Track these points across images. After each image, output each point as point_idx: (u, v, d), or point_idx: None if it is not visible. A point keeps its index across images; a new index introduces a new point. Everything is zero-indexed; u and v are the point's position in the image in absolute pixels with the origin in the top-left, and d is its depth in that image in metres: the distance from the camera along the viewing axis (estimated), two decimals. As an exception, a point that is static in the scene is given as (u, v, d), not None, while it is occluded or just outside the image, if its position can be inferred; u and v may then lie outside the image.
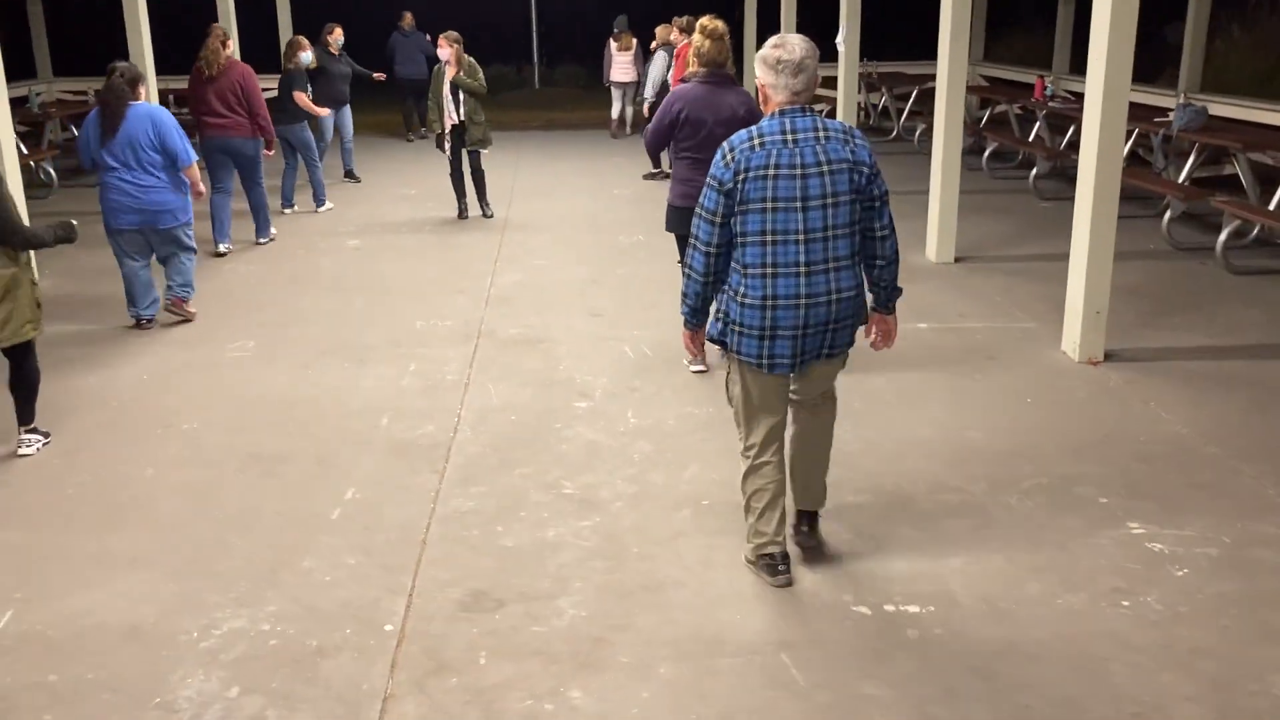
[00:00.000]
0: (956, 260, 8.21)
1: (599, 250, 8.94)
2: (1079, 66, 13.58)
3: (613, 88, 14.77)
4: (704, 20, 5.92)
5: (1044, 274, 7.78)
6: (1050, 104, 11.33)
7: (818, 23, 14.08)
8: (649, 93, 12.08)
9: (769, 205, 3.45)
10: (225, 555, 4.09)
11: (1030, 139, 11.94)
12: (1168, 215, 8.52)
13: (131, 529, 4.31)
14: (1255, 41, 11.89)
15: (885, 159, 12.88)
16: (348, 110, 11.78)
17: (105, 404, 5.64)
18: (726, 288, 3.62)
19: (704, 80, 5.70)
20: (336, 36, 11.64)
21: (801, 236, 3.45)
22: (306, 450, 5.04)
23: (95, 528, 4.32)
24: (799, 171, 3.44)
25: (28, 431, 5.03)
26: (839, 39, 10.63)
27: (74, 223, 5.15)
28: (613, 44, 14.42)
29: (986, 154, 11.93)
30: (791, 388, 3.79)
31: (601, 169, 12.92)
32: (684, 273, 3.71)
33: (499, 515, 4.38)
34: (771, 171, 3.44)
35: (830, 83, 14.88)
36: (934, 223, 8.22)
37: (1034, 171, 10.78)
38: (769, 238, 3.46)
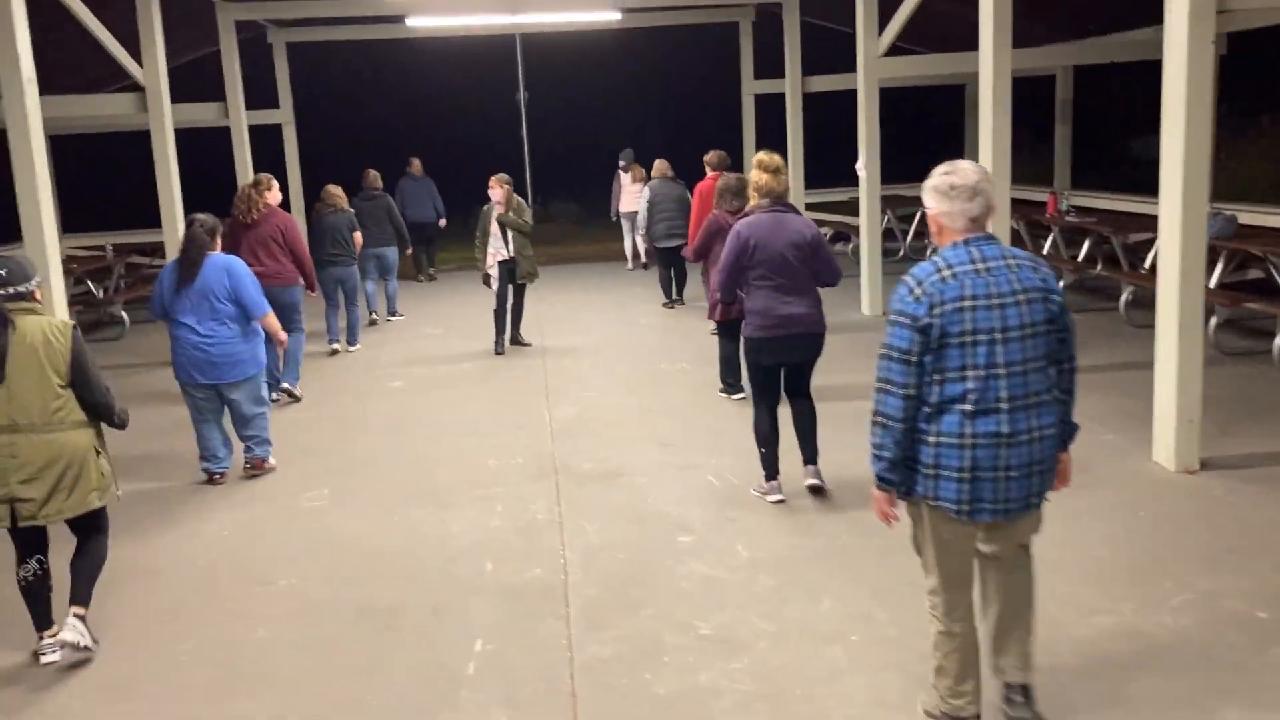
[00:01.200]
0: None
1: (644, 379, 8.90)
2: (1080, 182, 14.00)
3: (623, 219, 14.91)
4: (760, 156, 5.92)
5: (1102, 385, 7.80)
6: (1066, 218, 11.57)
7: (818, 152, 14.51)
8: (640, 228, 12.28)
9: (967, 339, 3.23)
10: (367, 717, 3.88)
11: (1044, 253, 12.15)
12: (1213, 322, 8.62)
13: (259, 693, 4.10)
14: (1260, 151, 12.29)
15: (897, 279, 13.02)
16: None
17: (192, 563, 5.44)
18: (914, 432, 3.35)
19: (768, 210, 5.70)
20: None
21: (1003, 370, 3.23)
22: (417, 600, 4.85)
23: (220, 695, 4.10)
24: (996, 301, 3.24)
25: (76, 615, 4.39)
26: (859, 165, 10.87)
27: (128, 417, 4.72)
28: (623, 175, 14.64)
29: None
30: (986, 546, 3.51)
31: (620, 299, 12.98)
32: (874, 421, 3.36)
33: (642, 661, 4.20)
34: (968, 303, 3.23)
35: (843, 207, 15.28)
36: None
37: (1060, 285, 10.92)
38: (968, 373, 3.24)
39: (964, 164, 3.42)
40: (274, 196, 8.68)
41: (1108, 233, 10.87)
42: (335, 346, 10.42)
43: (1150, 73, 16.29)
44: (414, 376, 9.42)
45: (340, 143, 20.39)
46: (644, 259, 14.82)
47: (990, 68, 7.85)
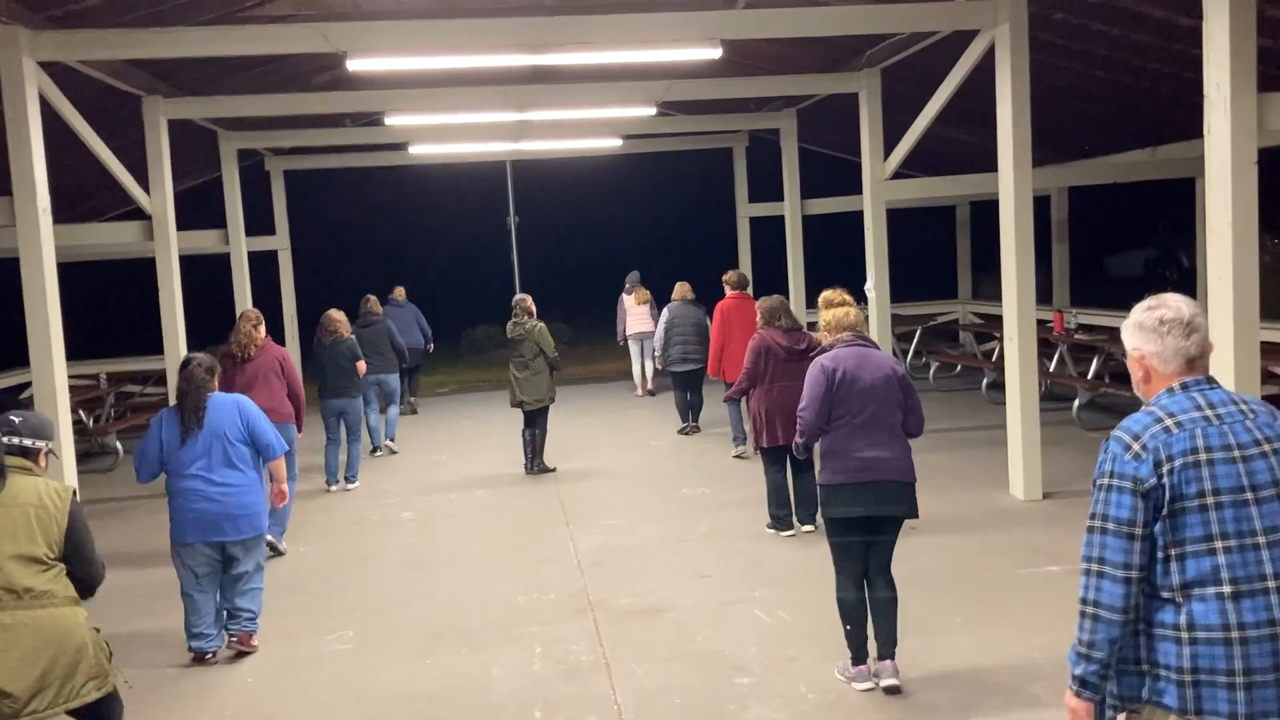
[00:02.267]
0: (1044, 497, 8.05)
1: (667, 505, 8.65)
2: (1079, 299, 14.11)
3: (630, 342, 14.65)
4: (828, 294, 5.61)
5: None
6: (1075, 336, 11.59)
7: (810, 273, 14.59)
8: (656, 350, 12.15)
9: (1209, 500, 2.64)
10: None
11: (1052, 370, 12.14)
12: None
13: None
14: (1266, 270, 12.42)
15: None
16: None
17: (219, 714, 5.07)
18: (1146, 626, 2.71)
19: (851, 343, 5.20)
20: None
21: (1261, 539, 2.63)
22: (468, 756, 4.52)
23: None
24: (1236, 454, 2.67)
25: None
26: (868, 286, 10.87)
27: None
28: (627, 298, 14.51)
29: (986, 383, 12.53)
30: None
31: (627, 422, 12.79)
32: (1082, 613, 2.69)
33: (725, 822, 3.88)
34: (1202, 456, 2.66)
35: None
36: (1016, 460, 8.12)
37: (1076, 403, 10.91)
38: (1218, 544, 2.63)
39: (1172, 297, 2.86)
40: (262, 332, 8.27)
41: (1118, 350, 10.88)
42: (333, 487, 9.92)
43: (1137, 192, 16.54)
44: (424, 506, 9.12)
45: (330, 267, 20.44)
46: (650, 385, 14.60)
47: (1011, 188, 7.89)
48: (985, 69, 8.23)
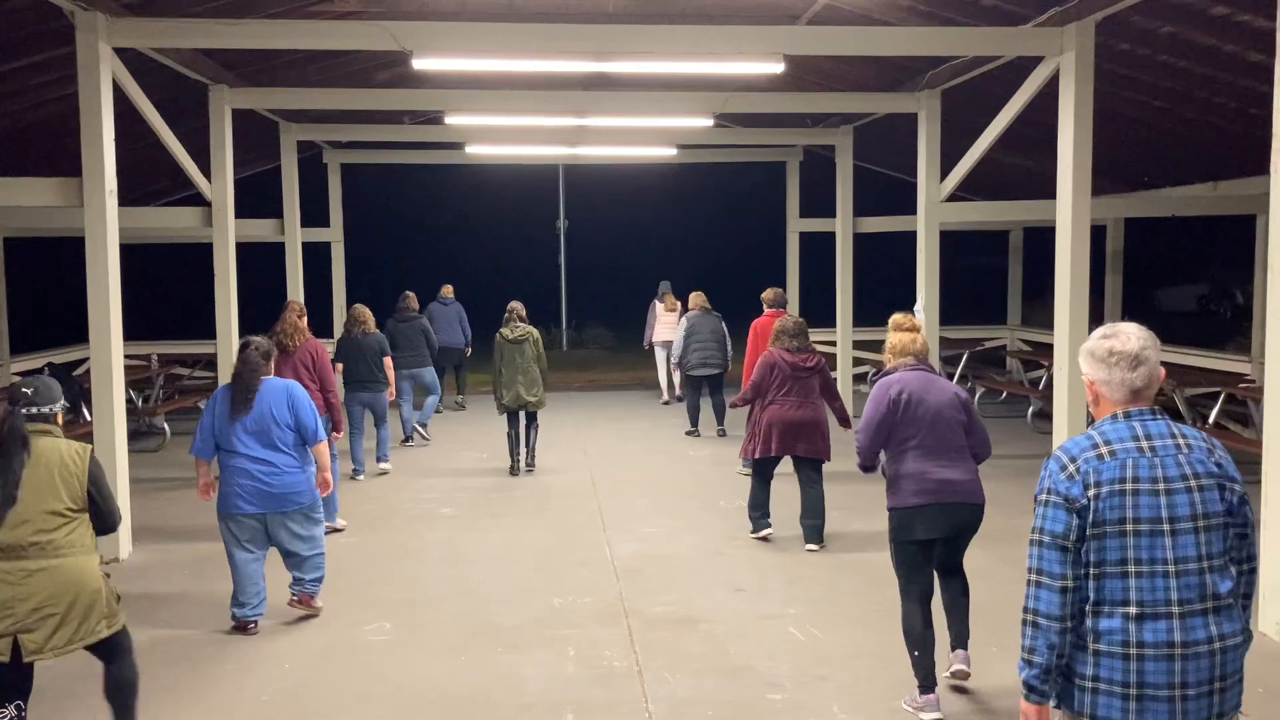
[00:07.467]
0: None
1: (704, 517, 8.65)
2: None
3: (658, 348, 14.83)
4: (896, 317, 5.51)
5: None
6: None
7: (869, 295, 14.56)
8: (675, 357, 12.40)
9: (1129, 528, 2.83)
10: None
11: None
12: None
13: None
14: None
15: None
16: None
17: (255, 699, 5.15)
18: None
19: (914, 366, 5.19)
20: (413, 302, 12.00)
21: (1171, 568, 2.82)
22: (500, 754, 4.55)
23: None
24: (1161, 486, 2.84)
25: None
26: (917, 308, 10.81)
27: None
28: (658, 305, 14.69)
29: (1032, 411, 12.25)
30: None
31: (665, 431, 12.80)
32: (1024, 620, 2.89)
33: (754, 837, 3.88)
34: (1129, 486, 2.84)
35: (880, 347, 15.20)
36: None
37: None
38: (1131, 569, 2.83)
39: (1127, 327, 3.03)
40: (305, 323, 8.43)
41: (1170, 386, 10.73)
42: (360, 476, 10.07)
43: (1192, 226, 16.35)
44: (463, 503, 9.19)
45: (379, 262, 20.66)
46: (677, 390, 14.74)
47: (1069, 217, 7.83)
48: (1047, 95, 8.18)
